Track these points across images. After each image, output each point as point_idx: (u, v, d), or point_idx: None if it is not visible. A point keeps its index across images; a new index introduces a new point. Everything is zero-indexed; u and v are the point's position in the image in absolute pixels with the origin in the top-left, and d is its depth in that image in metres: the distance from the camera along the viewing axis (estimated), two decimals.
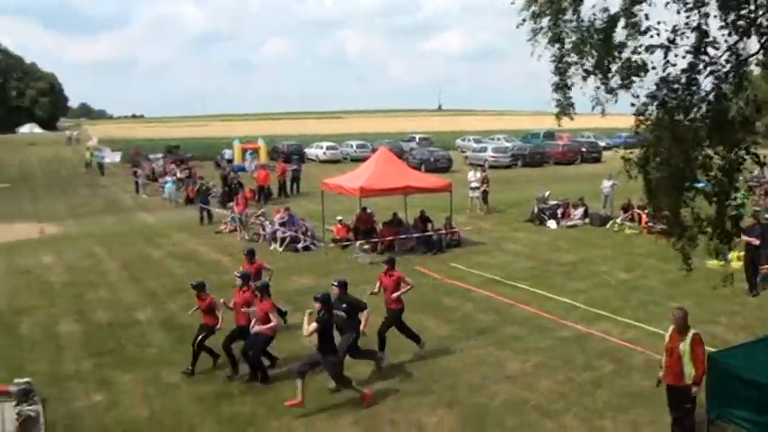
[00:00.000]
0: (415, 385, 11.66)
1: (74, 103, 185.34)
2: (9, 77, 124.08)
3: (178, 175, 38.78)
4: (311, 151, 56.81)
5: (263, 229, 24.60)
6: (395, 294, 12.78)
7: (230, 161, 48.19)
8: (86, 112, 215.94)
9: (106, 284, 19.07)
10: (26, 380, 10.50)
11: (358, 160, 44.25)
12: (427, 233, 22.53)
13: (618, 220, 25.59)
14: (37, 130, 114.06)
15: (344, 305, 11.76)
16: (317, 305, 10.78)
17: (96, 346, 14.06)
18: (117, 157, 58.65)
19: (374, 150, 36.18)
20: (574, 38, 8.84)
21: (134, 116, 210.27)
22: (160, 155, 50.09)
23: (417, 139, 62.68)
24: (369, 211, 23.65)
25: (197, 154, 55.05)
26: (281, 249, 22.73)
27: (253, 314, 11.99)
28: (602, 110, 9.08)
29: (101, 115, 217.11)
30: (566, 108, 9.20)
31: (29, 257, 23.02)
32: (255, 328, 11.79)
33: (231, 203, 28.64)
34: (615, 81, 8.79)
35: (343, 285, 12.11)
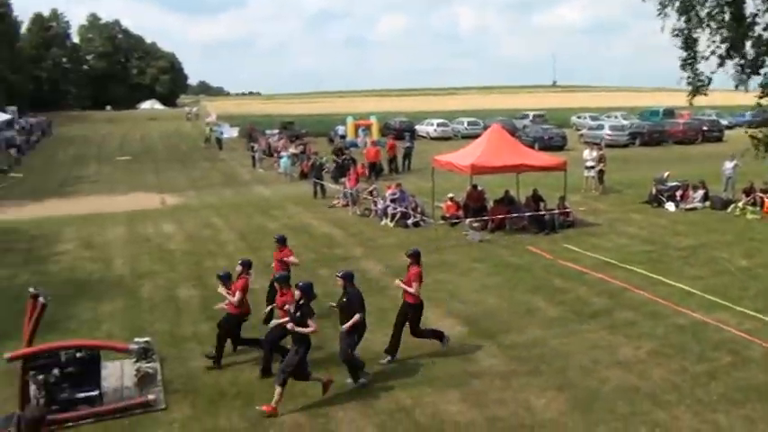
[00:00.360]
0: (525, 366, 11.54)
1: (193, 81, 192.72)
2: (130, 57, 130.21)
3: (292, 150, 39.67)
4: (422, 128, 56.79)
5: (375, 205, 24.89)
6: (409, 289, 11.87)
7: (343, 137, 48.91)
8: (205, 90, 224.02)
9: (224, 254, 19.82)
10: (145, 339, 11.09)
11: (469, 137, 43.91)
12: (540, 212, 22.13)
13: (740, 204, 24.30)
14: (158, 106, 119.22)
15: (345, 299, 11.12)
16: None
17: (213, 311, 14.54)
18: (235, 132, 60.65)
19: (486, 128, 35.82)
20: (705, 10, 8.43)
21: (251, 93, 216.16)
22: (276, 131, 51.39)
23: (531, 117, 61.39)
24: (479, 188, 23.48)
25: (311, 130, 56.24)
26: (391, 225, 22.97)
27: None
28: (745, 88, 8.62)
29: (219, 92, 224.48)
30: (698, 86, 8.77)
31: (150, 226, 24.25)
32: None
33: (343, 179, 29.09)
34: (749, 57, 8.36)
35: (348, 277, 11.24)
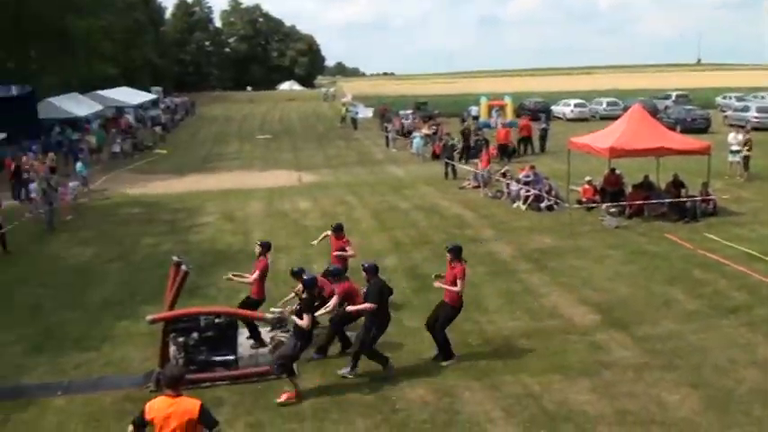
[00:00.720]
0: (659, 360, 11.02)
1: (330, 62, 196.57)
2: (270, 39, 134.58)
3: (425, 131, 39.72)
4: (558, 109, 55.19)
5: (507, 187, 24.53)
6: (454, 288, 10.91)
7: (476, 118, 48.44)
8: (341, 71, 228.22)
9: (357, 231, 20.13)
10: (280, 310, 11.45)
11: (608, 119, 42.25)
12: (680, 199, 21.03)
13: None
14: (296, 87, 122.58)
15: (365, 291, 10.70)
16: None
17: None
18: (369, 112, 61.43)
19: (626, 108, 34.40)
20: None
21: (385, 74, 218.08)
22: (409, 111, 51.63)
23: (673, 97, 58.17)
24: (618, 172, 22.62)
25: (444, 111, 56.02)
26: (524, 207, 22.57)
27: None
28: None
29: (354, 73, 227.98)
30: None
31: (287, 202, 25.04)
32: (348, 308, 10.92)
33: (475, 160, 28.87)
34: None
35: (371, 270, 10.72)
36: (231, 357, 10.81)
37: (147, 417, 6.34)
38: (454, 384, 10.23)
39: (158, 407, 6.33)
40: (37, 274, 17.22)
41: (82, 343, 11.77)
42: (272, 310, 11.42)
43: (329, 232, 13.63)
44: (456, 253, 11.12)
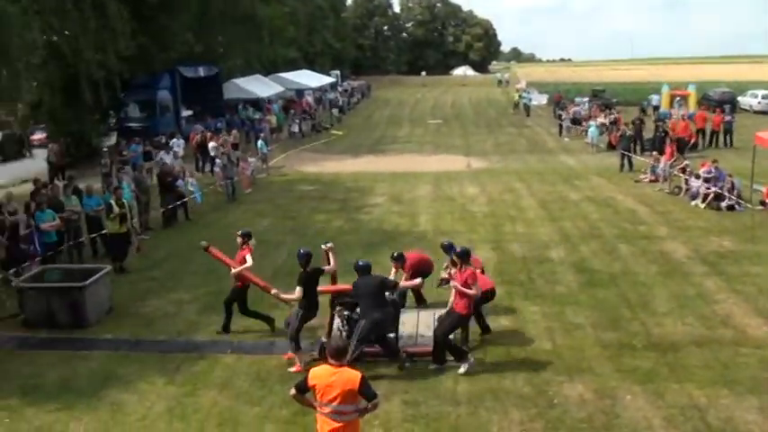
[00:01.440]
0: None
1: (506, 47, 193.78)
2: (447, 24, 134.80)
3: (601, 120, 38.28)
4: (745, 100, 50.81)
5: (686, 183, 23.16)
6: (469, 291, 10.18)
7: (657, 108, 46.10)
8: (516, 56, 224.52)
9: (523, 220, 19.88)
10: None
11: None
12: None
13: None
14: (470, 72, 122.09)
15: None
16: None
17: (508, 275, 14.81)
18: (543, 99, 60.14)
19: None
20: None
21: (562, 60, 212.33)
22: (585, 98, 49.97)
23: None
24: None
25: (622, 99, 53.74)
26: (702, 206, 21.17)
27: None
28: None
29: (530, 59, 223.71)
30: None
31: (455, 187, 25.08)
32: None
33: (653, 152, 27.48)
34: None
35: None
36: (392, 335, 11.01)
37: (310, 383, 6.66)
38: (616, 386, 9.83)
39: (321, 374, 6.63)
40: (214, 241, 18.27)
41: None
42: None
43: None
44: (464, 257, 10.49)
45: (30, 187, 19.30)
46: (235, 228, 19.85)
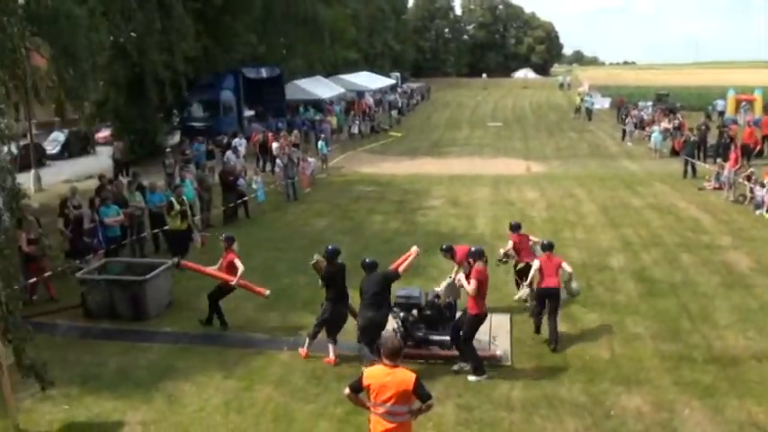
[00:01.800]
0: None
1: (568, 50, 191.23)
2: (509, 26, 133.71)
3: (665, 125, 37.44)
4: None
5: (751, 191, 22.46)
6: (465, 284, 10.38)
7: (722, 113, 44.92)
8: (579, 59, 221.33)
9: (583, 226, 19.58)
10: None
11: None
12: None
13: None
14: (531, 75, 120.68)
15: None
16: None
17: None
18: (606, 103, 59.18)
19: None
20: None
21: (626, 63, 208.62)
22: (649, 103, 48.95)
23: None
24: None
25: (686, 104, 52.48)
26: (767, 215, 20.54)
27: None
28: None
29: (592, 62, 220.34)
30: None
31: (514, 191, 24.86)
32: None
33: (718, 159, 26.76)
34: None
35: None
36: (448, 338, 10.98)
37: (364, 383, 6.67)
38: (674, 399, 9.61)
39: (376, 374, 6.65)
40: (273, 240, 18.72)
41: (309, 306, 12.59)
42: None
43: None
44: (478, 256, 10.61)
45: (94, 183, 19.90)
46: (295, 226, 20.27)
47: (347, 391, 6.85)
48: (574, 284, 12.08)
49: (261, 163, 29.67)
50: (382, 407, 6.57)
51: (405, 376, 6.59)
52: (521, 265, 13.01)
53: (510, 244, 13.07)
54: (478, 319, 10.38)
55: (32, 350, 9.26)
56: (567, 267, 11.73)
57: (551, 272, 11.51)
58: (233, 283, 12.12)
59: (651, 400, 9.56)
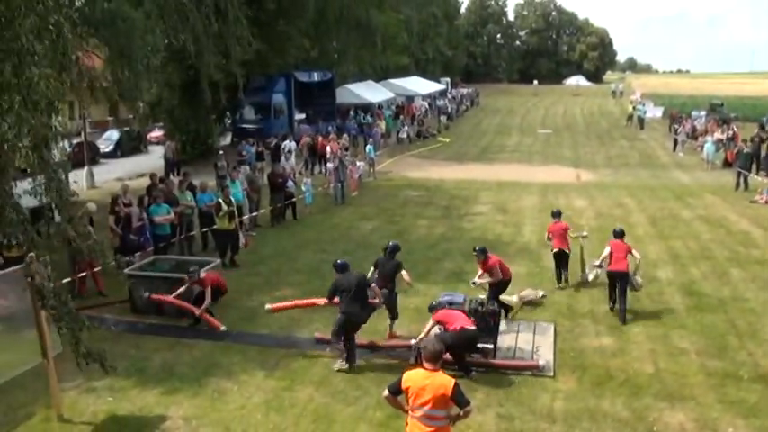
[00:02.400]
0: None
1: (621, 57, 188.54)
2: (561, 33, 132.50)
3: (718, 135, 36.66)
4: None
5: None
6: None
7: None
8: (632, 66, 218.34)
9: (632, 236, 19.16)
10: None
11: None
12: None
13: None
14: (582, 82, 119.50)
15: None
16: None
17: (595, 292, 14.40)
18: (659, 112, 58.27)
19: None
20: None
21: (679, 71, 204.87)
22: (702, 112, 48.03)
23: None
24: None
25: (740, 114, 51.32)
26: None
27: None
28: None
29: (646, 69, 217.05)
30: None
31: (562, 199, 24.62)
32: None
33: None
34: None
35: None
36: (490, 346, 10.94)
37: (403, 385, 6.75)
38: (718, 417, 9.39)
39: (415, 378, 6.72)
40: (320, 241, 18.89)
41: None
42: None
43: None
44: (482, 253, 12.54)
45: (146, 181, 20.32)
46: (341, 229, 20.40)
47: (386, 392, 6.93)
48: (638, 277, 13.04)
49: (310, 165, 29.93)
50: (420, 410, 6.61)
51: (443, 380, 6.64)
52: (555, 251, 14.75)
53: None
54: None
55: (88, 338, 9.53)
56: (636, 254, 12.96)
57: (621, 256, 12.83)
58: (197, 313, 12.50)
59: (694, 418, 9.39)
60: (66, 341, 9.36)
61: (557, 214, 15.08)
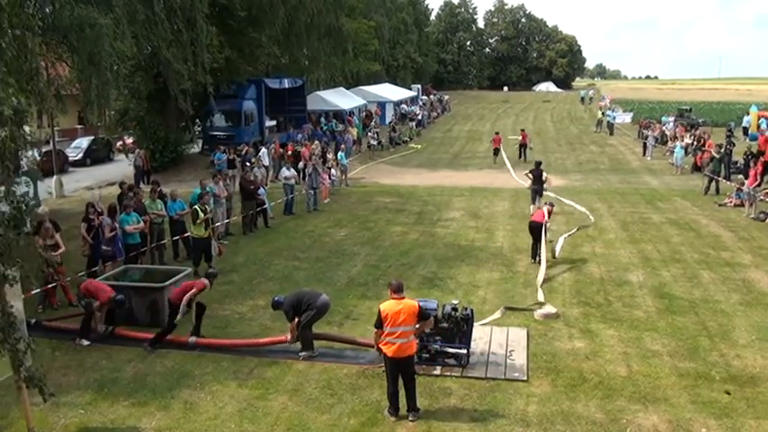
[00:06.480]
0: None
1: (590, 64, 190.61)
2: (531, 40, 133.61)
3: (687, 140, 37.17)
4: None
5: None
6: None
7: (746, 129, 44.56)
8: (601, 72, 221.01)
9: (603, 240, 19.46)
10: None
11: None
12: None
13: None
14: (552, 88, 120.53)
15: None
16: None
17: (585, 296, 14.53)
18: (627, 117, 58.85)
19: None
20: None
21: (648, 77, 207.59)
22: (671, 118, 48.64)
23: None
24: None
25: (708, 119, 52.10)
26: None
27: None
28: None
29: (615, 76, 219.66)
30: None
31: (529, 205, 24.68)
32: None
33: (739, 176, 26.50)
34: None
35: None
36: (463, 351, 10.93)
37: (383, 314, 9.20)
38: (691, 418, 9.46)
39: (390, 306, 9.28)
40: (292, 249, 18.80)
41: (325, 316, 12.59)
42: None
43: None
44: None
45: (116, 190, 20.07)
46: (314, 236, 20.31)
47: (376, 331, 9.33)
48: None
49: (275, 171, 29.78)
50: (398, 329, 9.12)
51: (411, 303, 9.40)
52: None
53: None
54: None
55: (35, 361, 9.20)
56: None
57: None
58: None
59: (668, 419, 9.44)
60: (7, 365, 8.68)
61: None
